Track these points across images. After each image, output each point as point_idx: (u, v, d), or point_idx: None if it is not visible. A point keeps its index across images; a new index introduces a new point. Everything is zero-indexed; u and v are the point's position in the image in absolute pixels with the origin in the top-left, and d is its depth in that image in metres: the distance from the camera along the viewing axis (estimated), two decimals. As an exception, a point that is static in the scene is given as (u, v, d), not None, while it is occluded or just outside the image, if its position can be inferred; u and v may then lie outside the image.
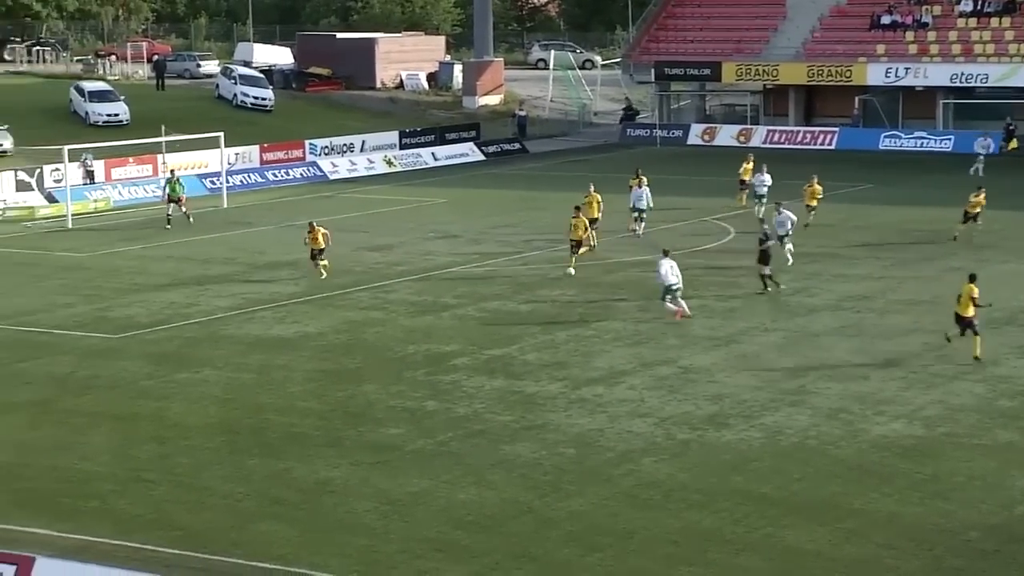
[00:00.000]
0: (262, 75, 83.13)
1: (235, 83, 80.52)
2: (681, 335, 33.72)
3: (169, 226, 50.79)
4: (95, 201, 58.21)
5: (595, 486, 23.61)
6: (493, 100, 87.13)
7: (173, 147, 61.73)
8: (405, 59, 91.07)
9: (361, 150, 71.43)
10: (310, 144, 69.53)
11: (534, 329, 34.68)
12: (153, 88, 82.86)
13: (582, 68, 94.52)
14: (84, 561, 19.79)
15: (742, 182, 53.14)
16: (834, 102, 76.54)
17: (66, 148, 55.81)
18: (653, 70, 79.52)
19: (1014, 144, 68.22)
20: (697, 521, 22.03)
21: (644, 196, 47.09)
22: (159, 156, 61.33)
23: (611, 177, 56.63)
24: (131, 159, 62.52)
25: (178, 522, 22.26)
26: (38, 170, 59.28)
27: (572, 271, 40.48)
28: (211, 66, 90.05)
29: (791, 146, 73.61)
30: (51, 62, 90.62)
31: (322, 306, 37.84)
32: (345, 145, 71.03)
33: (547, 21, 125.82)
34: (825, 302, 37.13)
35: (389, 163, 70.27)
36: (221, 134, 59.64)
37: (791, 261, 40.44)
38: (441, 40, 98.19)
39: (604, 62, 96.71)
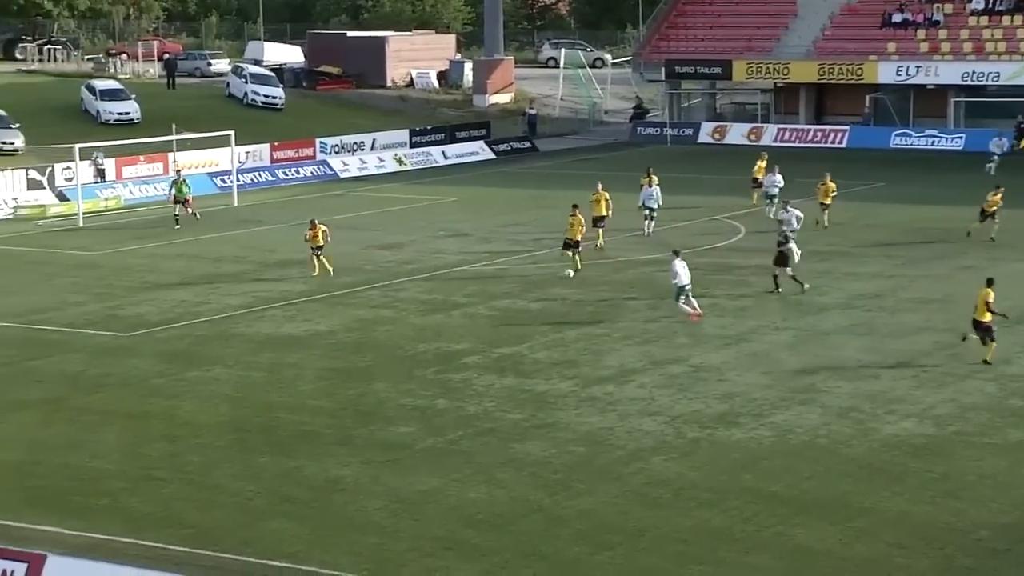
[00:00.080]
0: (273, 74, 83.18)
1: (246, 82, 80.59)
2: (691, 334, 33.71)
3: (178, 226, 50.86)
4: (106, 199, 58.31)
5: (605, 484, 23.61)
6: (503, 98, 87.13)
7: (184, 146, 61.79)
8: (415, 57, 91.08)
9: (371, 148, 71.49)
10: (320, 142, 69.58)
11: (544, 327, 34.69)
12: (164, 87, 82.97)
13: (592, 66, 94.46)
14: (95, 559, 19.84)
15: (755, 180, 53.06)
16: (845, 100, 76.44)
17: (77, 147, 55.91)
18: (663, 68, 79.44)
19: (1025, 142, 68.13)
20: (707, 520, 22.03)
21: (654, 195, 47.07)
22: (170, 155, 61.41)
23: (621, 176, 56.62)
24: (142, 158, 62.61)
25: (189, 520, 22.30)
26: (49, 168, 59.39)
27: (571, 273, 40.14)
28: (222, 65, 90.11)
29: (802, 144, 73.50)
30: (62, 61, 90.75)
31: (332, 304, 37.88)
32: (355, 143, 71.08)
33: (557, 19, 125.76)
34: (836, 300, 37.09)
35: (399, 161, 70.31)
36: (232, 133, 59.67)
37: (797, 259, 40.16)
38: (451, 38, 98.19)
39: (614, 60, 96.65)
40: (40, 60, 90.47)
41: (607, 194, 44.85)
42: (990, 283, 30.78)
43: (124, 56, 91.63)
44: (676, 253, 35.32)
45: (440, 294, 38.92)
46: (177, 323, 35.88)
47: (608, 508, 22.57)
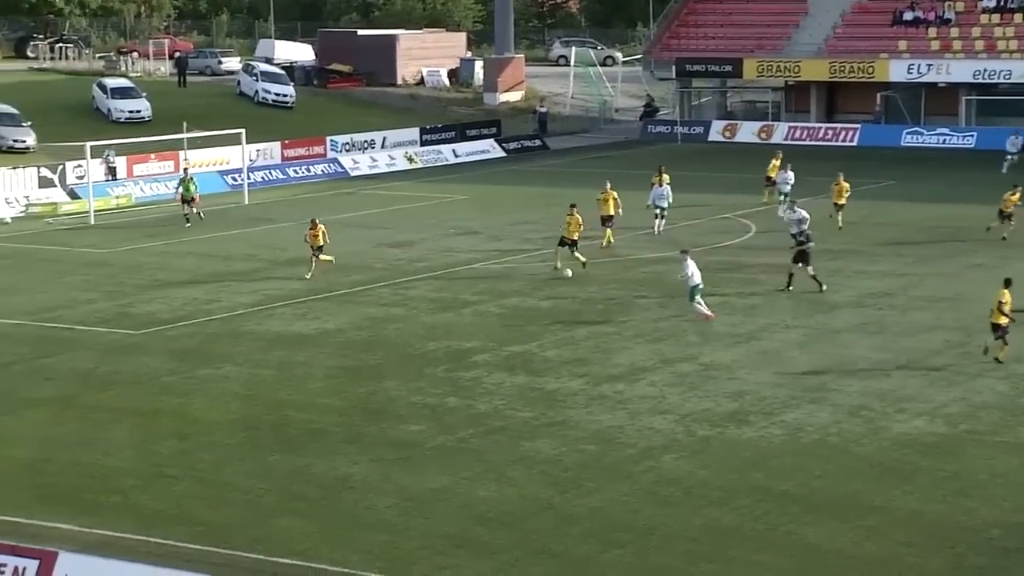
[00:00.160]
0: (283, 72, 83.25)
1: (256, 80, 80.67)
2: (702, 332, 33.68)
3: (188, 224, 50.93)
4: (117, 197, 58.42)
5: (615, 483, 23.60)
6: (514, 97, 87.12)
7: (195, 144, 61.89)
8: (426, 56, 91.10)
9: (382, 147, 71.54)
10: (331, 141, 69.63)
11: (554, 326, 34.69)
12: (175, 85, 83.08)
13: (603, 65, 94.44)
14: (106, 556, 19.87)
15: (768, 179, 52.98)
16: (856, 98, 76.35)
17: (88, 145, 55.99)
18: (674, 66, 79.42)
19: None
20: (717, 518, 22.01)
21: (665, 194, 47.02)
22: (181, 153, 61.50)
23: (632, 174, 56.61)
24: (153, 156, 62.72)
25: (199, 517, 22.34)
26: (61, 166, 59.51)
27: (569, 272, 39.96)
28: (233, 63, 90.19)
29: (813, 143, 73.43)
30: (74, 59, 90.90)
31: (342, 302, 37.91)
32: (366, 142, 71.14)
33: (568, 18, 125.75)
34: (846, 299, 37.04)
35: (410, 160, 70.35)
36: (243, 131, 59.75)
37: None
38: (462, 37, 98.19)
39: (625, 59, 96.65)
40: (52, 58, 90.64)
41: (615, 193, 44.80)
42: (1008, 283, 30.53)
43: (135, 54, 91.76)
44: (685, 252, 35.20)
45: (450, 292, 38.93)
46: (187, 321, 35.93)
47: (618, 506, 22.56)
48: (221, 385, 30.01)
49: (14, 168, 58.86)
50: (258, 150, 65.54)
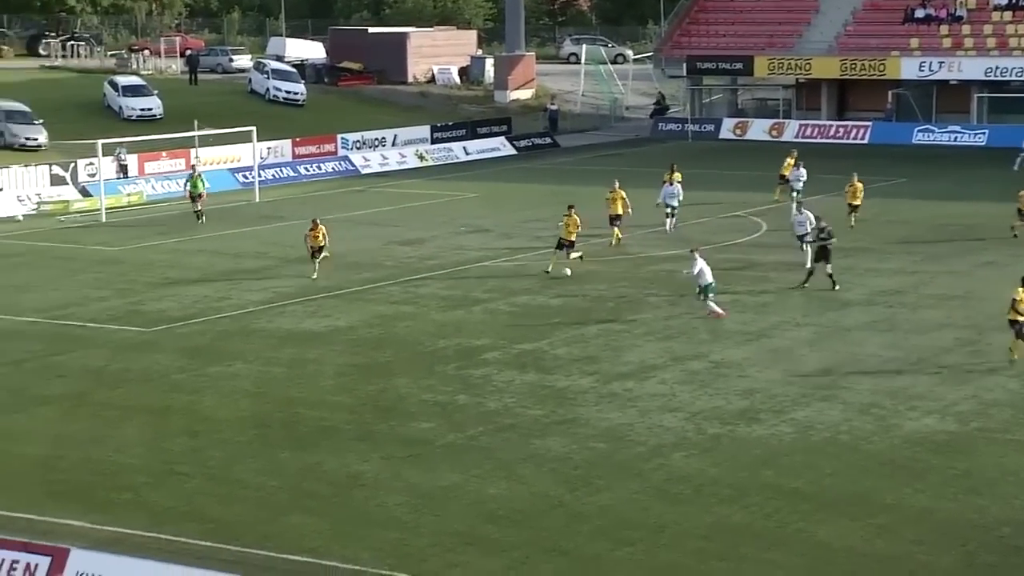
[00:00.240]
0: (294, 70, 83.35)
1: (267, 78, 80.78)
2: (712, 330, 33.67)
3: (200, 220, 50.98)
4: (128, 195, 58.54)
5: (625, 480, 23.61)
6: (524, 94, 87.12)
7: (206, 141, 61.98)
8: (437, 53, 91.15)
9: (393, 144, 71.58)
10: (342, 138, 69.70)
11: (564, 323, 34.70)
12: (186, 83, 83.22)
13: (614, 62, 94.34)
14: (118, 553, 19.94)
15: (782, 177, 52.88)
16: (867, 96, 76.25)
17: (100, 142, 56.09)
18: (685, 64, 79.37)
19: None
20: (728, 516, 22.01)
21: (675, 192, 46.98)
22: (192, 150, 61.60)
23: (642, 172, 56.58)
24: (164, 153, 62.84)
25: (210, 514, 22.40)
26: (72, 164, 59.67)
27: (568, 272, 39.70)
28: (244, 61, 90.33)
29: (824, 140, 73.34)
30: (85, 57, 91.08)
31: (352, 300, 37.95)
32: (377, 139, 71.20)
33: (579, 15, 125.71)
34: (857, 297, 37.00)
35: (421, 157, 70.39)
36: (253, 128, 59.84)
37: (811, 263, 40.01)
38: (473, 34, 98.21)
39: (636, 56, 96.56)
40: (63, 56, 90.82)
41: (623, 192, 44.76)
42: None
43: (147, 52, 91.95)
44: (694, 250, 35.04)
45: (460, 290, 38.96)
46: (198, 319, 36.00)
47: (628, 504, 22.57)
48: (232, 383, 30.07)
49: (26, 166, 59.05)
50: (269, 148, 65.63)
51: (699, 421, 26.71)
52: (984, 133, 71.44)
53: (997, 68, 71.99)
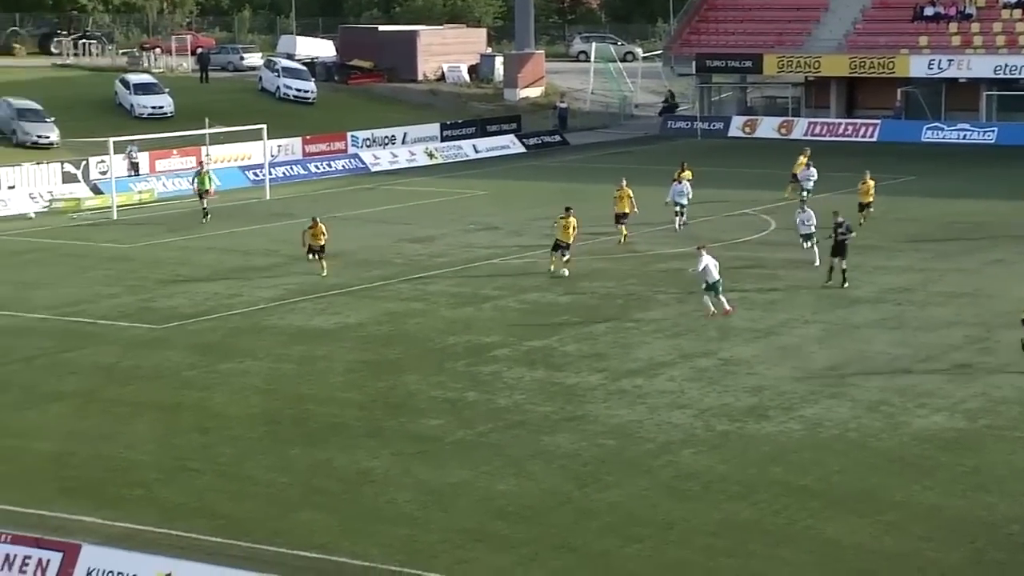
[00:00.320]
0: (305, 68, 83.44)
1: (278, 76, 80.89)
2: (721, 327, 33.70)
3: (206, 219, 50.96)
4: (140, 193, 58.68)
5: (634, 477, 23.68)
6: (534, 92, 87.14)
7: (216, 139, 62.11)
8: (447, 51, 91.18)
9: (403, 142, 71.64)
10: (352, 136, 69.79)
11: (574, 321, 34.77)
12: (197, 81, 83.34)
13: (623, 60, 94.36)
14: (129, 549, 20.04)
15: (795, 175, 52.85)
16: (876, 94, 76.17)
17: (111, 140, 56.24)
18: (694, 62, 79.35)
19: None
20: (736, 512, 22.07)
21: (684, 191, 46.99)
22: (203, 148, 61.72)
23: (652, 169, 56.63)
24: (175, 151, 62.98)
25: (221, 511, 22.50)
26: (84, 162, 59.83)
27: (566, 272, 39.61)
28: (254, 59, 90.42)
29: (833, 138, 73.26)
30: (97, 55, 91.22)
31: (362, 297, 38.04)
32: (387, 137, 71.27)
33: (588, 13, 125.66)
34: (866, 294, 37.02)
35: (430, 155, 70.46)
36: (264, 126, 59.95)
37: (818, 261, 39.96)
38: (483, 32, 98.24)
39: (645, 54, 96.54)
40: (75, 54, 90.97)
41: (631, 191, 44.78)
42: None
43: (158, 50, 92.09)
44: (701, 248, 34.84)
45: (470, 287, 39.04)
46: (209, 316, 36.12)
47: (637, 501, 22.64)
48: (242, 379, 30.18)
49: (38, 164, 59.21)
50: (279, 146, 65.74)
51: (708, 418, 26.77)
52: (993, 131, 71.36)
53: (1006, 66, 71.88)
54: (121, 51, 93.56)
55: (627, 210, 44.48)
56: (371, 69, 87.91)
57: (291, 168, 64.96)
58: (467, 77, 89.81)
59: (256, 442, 25.92)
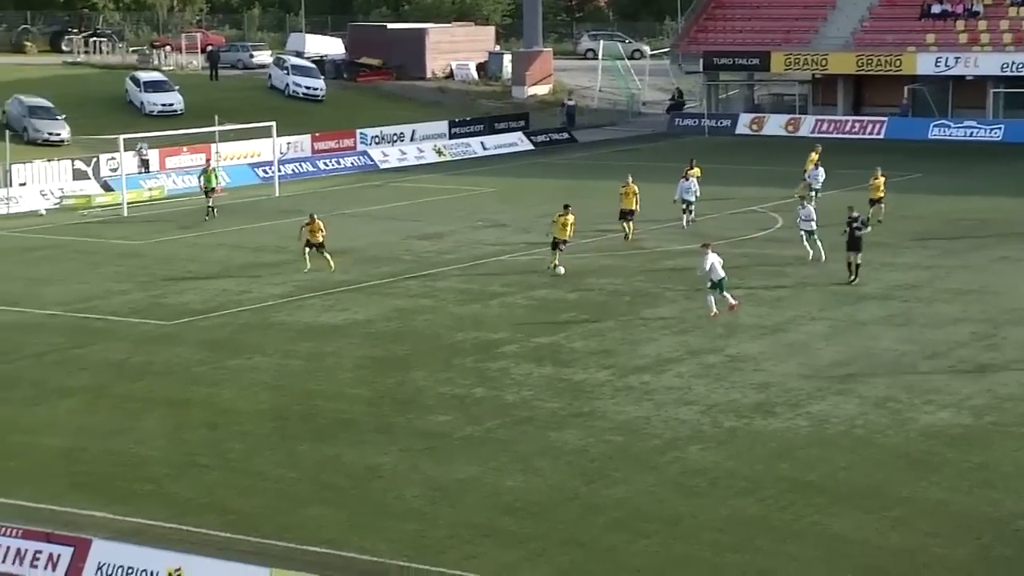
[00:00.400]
0: (314, 65, 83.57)
1: (287, 73, 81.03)
2: (728, 323, 33.76)
3: (207, 217, 51.02)
4: (150, 190, 58.83)
5: (642, 473, 23.78)
6: (542, 90, 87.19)
7: (226, 137, 62.27)
8: (455, 49, 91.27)
9: (411, 139, 71.75)
10: (361, 133, 69.91)
11: (582, 317, 34.87)
12: (207, 78, 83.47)
13: (631, 58, 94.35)
14: (139, 544, 20.19)
15: (806, 172, 52.83)
16: (883, 91, 76.12)
17: (122, 138, 56.41)
18: (702, 60, 79.35)
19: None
20: (743, 508, 22.16)
21: (692, 188, 47.05)
22: (212, 145, 61.90)
23: (659, 167, 56.68)
24: (185, 148, 63.10)
25: (230, 506, 22.63)
26: (94, 159, 60.00)
27: (562, 270, 39.43)
28: (264, 56, 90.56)
29: (840, 136, 73.24)
30: (107, 53, 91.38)
31: (371, 294, 38.16)
32: (395, 134, 71.38)
33: (596, 11, 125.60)
34: (873, 291, 37.08)
35: (439, 152, 70.58)
36: (273, 124, 60.09)
37: (824, 257, 40.02)
38: (491, 30, 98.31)
39: (653, 52, 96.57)
40: (86, 52, 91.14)
41: (636, 187, 44.84)
42: None
43: (168, 48, 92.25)
44: (706, 246, 34.77)
45: (478, 284, 39.15)
46: (218, 312, 36.25)
47: (644, 496, 22.74)
48: (251, 375, 30.31)
49: (49, 160, 59.39)
50: (288, 143, 65.87)
51: (715, 414, 26.86)
52: (1000, 128, 71.30)
53: (1013, 63, 71.79)
54: (131, 49, 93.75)
55: (633, 207, 44.54)
56: (380, 67, 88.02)
57: (300, 165, 65.10)
58: (475, 75, 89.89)
59: (265, 438, 26.05)
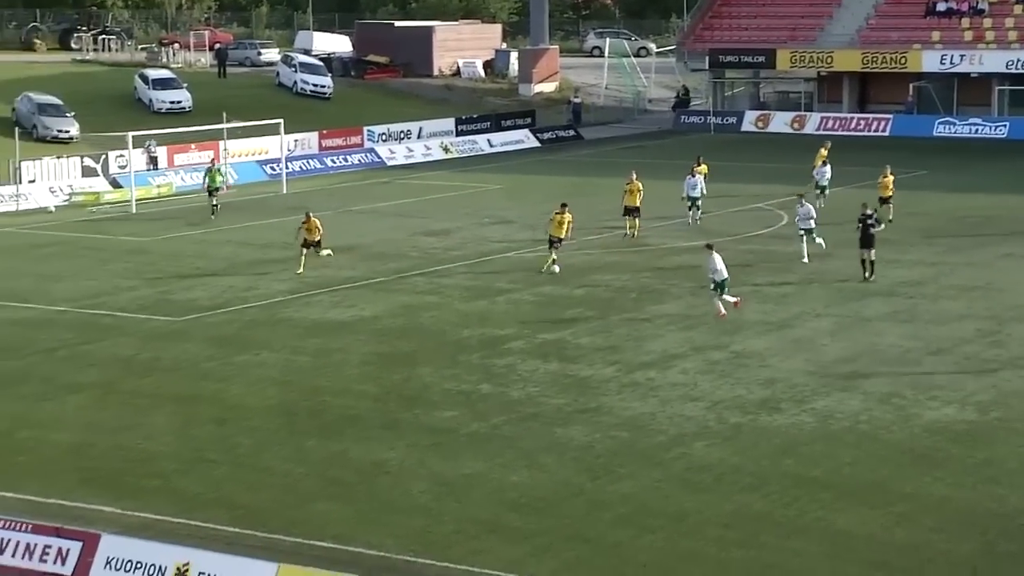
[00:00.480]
0: (321, 63, 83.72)
1: (295, 71, 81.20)
2: (733, 320, 33.82)
3: (213, 216, 51.08)
4: (158, 187, 59.00)
5: (647, 469, 23.86)
6: (548, 87, 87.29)
7: (234, 134, 62.41)
8: (462, 47, 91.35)
9: (418, 136, 71.88)
10: (368, 131, 70.07)
11: (587, 313, 34.96)
12: (215, 76, 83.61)
13: (637, 56, 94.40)
14: (147, 538, 20.30)
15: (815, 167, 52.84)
16: (888, 89, 76.17)
17: (130, 135, 56.60)
18: (707, 57, 79.44)
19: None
20: (748, 504, 22.23)
21: (698, 185, 47.11)
22: (220, 143, 62.05)
23: (665, 164, 56.76)
24: (193, 145, 63.27)
25: (238, 501, 22.74)
26: (103, 156, 60.17)
27: (557, 268, 39.37)
28: (272, 54, 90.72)
29: (845, 133, 73.27)
30: (116, 51, 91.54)
31: (377, 290, 38.28)
32: (402, 132, 71.52)
33: (602, 9, 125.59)
34: (878, 287, 37.14)
35: (445, 149, 70.69)
36: (281, 121, 60.25)
37: (824, 247, 40.11)
38: (498, 28, 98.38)
39: (659, 50, 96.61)
40: (95, 50, 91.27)
41: (640, 184, 44.89)
42: None
43: (176, 46, 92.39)
44: (710, 247, 34.73)
45: (484, 280, 39.24)
46: (226, 308, 36.38)
47: (650, 492, 22.82)
48: (259, 371, 30.43)
49: (58, 158, 59.61)
50: (296, 140, 66.03)
51: (720, 410, 26.95)
52: (1005, 126, 71.33)
53: (1018, 61, 71.83)
54: (140, 47, 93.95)
55: (637, 203, 44.59)
56: (387, 64, 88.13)
57: (308, 162, 65.26)
58: (482, 72, 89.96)
59: (272, 433, 26.17)
